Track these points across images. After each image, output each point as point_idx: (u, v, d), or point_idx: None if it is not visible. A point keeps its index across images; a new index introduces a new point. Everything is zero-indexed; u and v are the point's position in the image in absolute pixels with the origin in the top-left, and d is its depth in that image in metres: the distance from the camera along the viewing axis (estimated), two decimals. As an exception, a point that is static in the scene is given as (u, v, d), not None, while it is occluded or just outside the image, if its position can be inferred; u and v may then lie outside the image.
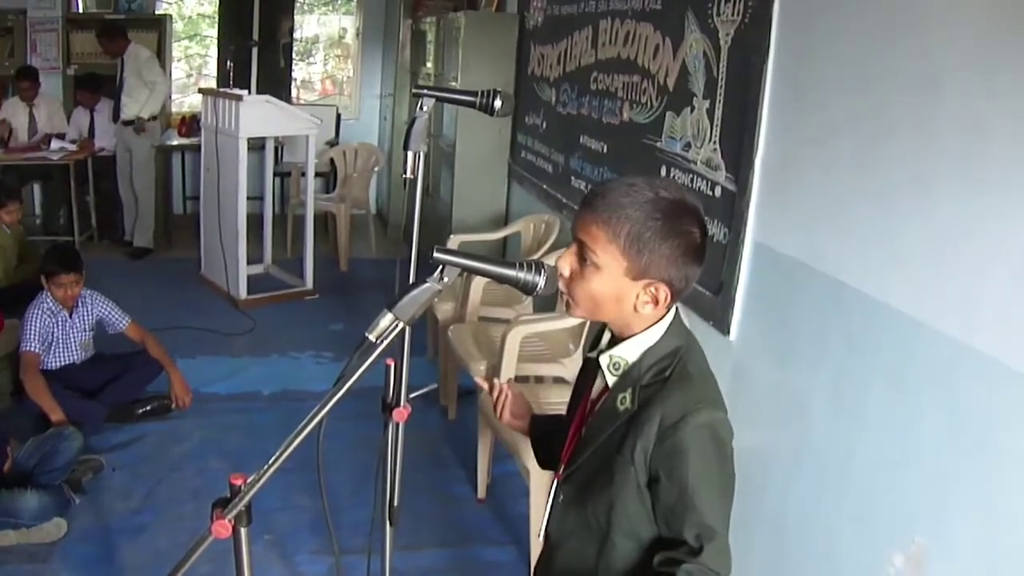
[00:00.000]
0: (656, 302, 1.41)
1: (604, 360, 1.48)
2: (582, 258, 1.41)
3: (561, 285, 1.44)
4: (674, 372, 1.42)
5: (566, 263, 1.43)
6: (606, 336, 1.52)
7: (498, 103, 2.28)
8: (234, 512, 1.34)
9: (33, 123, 7.24)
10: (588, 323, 3.69)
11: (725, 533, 1.39)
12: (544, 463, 1.87)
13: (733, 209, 2.76)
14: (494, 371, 3.59)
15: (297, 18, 9.09)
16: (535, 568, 1.73)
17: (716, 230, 2.86)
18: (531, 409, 1.86)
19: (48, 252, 4.38)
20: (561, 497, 1.58)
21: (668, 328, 1.45)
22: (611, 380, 1.48)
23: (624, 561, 1.46)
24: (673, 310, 1.46)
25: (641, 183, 1.39)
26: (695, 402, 1.38)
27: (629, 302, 1.41)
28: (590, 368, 1.58)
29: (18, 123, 7.21)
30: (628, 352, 1.45)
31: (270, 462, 1.34)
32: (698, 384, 1.42)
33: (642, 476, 1.40)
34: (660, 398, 1.39)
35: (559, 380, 3.82)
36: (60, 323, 4.14)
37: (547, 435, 1.79)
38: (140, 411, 4.19)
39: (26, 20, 7.70)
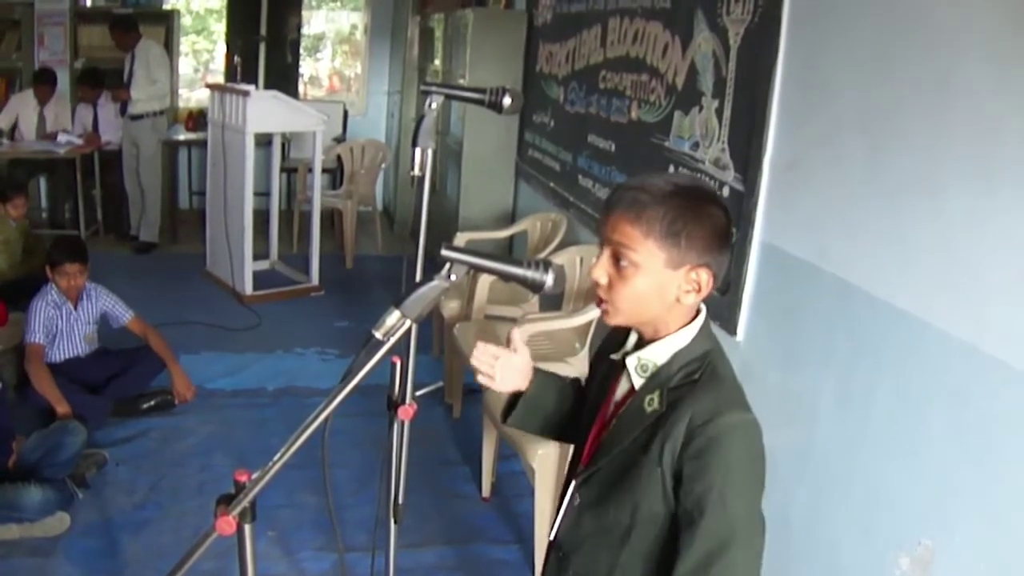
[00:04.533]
0: (699, 288, 1.40)
1: (631, 362, 1.46)
2: (617, 262, 1.39)
3: (600, 294, 1.43)
4: (704, 374, 1.41)
5: (601, 271, 1.41)
6: (632, 338, 1.50)
7: (507, 100, 2.27)
8: (238, 508, 1.33)
9: (42, 122, 7.26)
10: (595, 322, 3.68)
11: (747, 539, 1.35)
12: (508, 417, 1.71)
13: (741, 209, 2.75)
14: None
15: (305, 14, 9.09)
16: (543, 573, 1.71)
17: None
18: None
19: (55, 241, 4.39)
20: (578, 500, 1.55)
21: (699, 332, 1.44)
22: (638, 382, 1.46)
23: (643, 566, 1.44)
24: (703, 314, 1.45)
25: (655, 177, 1.41)
26: (726, 404, 1.37)
27: (671, 295, 1.40)
28: (613, 371, 1.55)
29: (27, 119, 7.22)
30: (657, 354, 1.44)
31: (275, 458, 1.33)
32: (728, 386, 1.41)
33: (668, 479, 1.38)
34: (690, 399, 1.38)
35: (564, 379, 3.80)
36: (64, 315, 4.14)
37: (538, 395, 1.67)
38: (144, 406, 4.19)
39: (33, 13, 7.69)
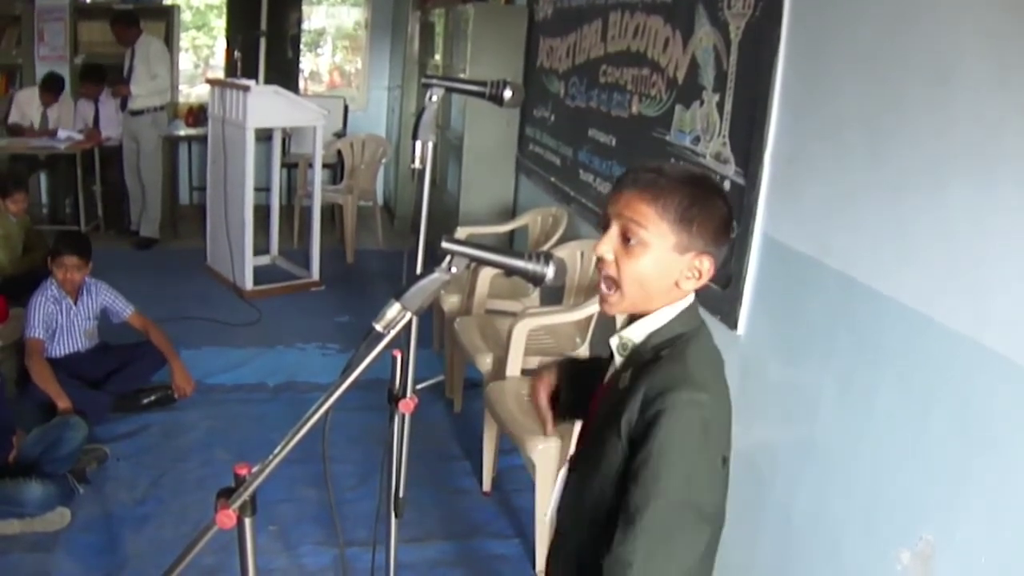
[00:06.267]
0: (700, 275, 1.41)
1: (614, 341, 1.49)
2: (626, 240, 1.40)
3: (607, 270, 1.42)
4: (670, 352, 1.41)
5: (608, 247, 1.41)
6: (621, 318, 1.51)
7: (508, 93, 2.26)
8: (239, 502, 1.33)
9: (45, 121, 7.27)
10: (596, 316, 3.68)
11: (676, 516, 1.34)
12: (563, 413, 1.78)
13: (742, 203, 2.75)
14: (500, 364, 3.58)
15: (305, 9, 9.07)
16: (548, 554, 1.72)
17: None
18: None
19: (60, 234, 4.39)
20: (570, 482, 1.58)
21: (679, 314, 1.44)
22: (619, 361, 1.48)
23: None
24: (690, 298, 1.46)
25: (667, 165, 1.45)
26: (681, 380, 1.36)
27: (672, 278, 1.41)
28: (607, 353, 1.57)
29: (31, 118, 7.25)
30: (635, 333, 1.46)
31: (275, 452, 1.33)
32: (690, 365, 1.39)
33: (626, 451, 1.39)
34: (648, 373, 1.39)
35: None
36: (64, 310, 4.14)
37: (577, 377, 1.74)
38: (145, 401, 4.19)
39: (34, 9, 7.68)
